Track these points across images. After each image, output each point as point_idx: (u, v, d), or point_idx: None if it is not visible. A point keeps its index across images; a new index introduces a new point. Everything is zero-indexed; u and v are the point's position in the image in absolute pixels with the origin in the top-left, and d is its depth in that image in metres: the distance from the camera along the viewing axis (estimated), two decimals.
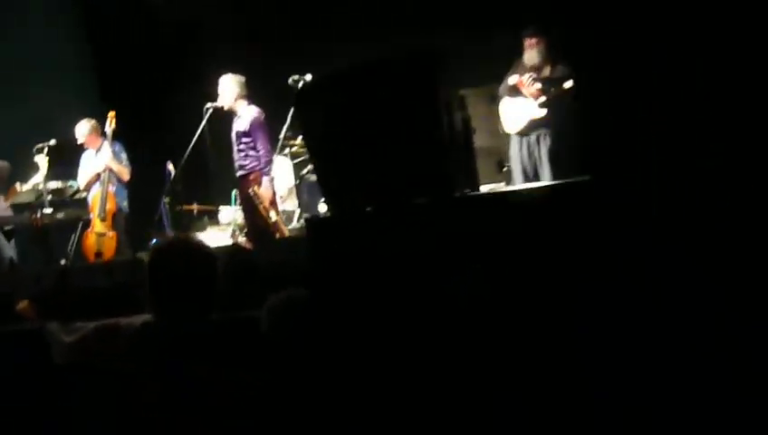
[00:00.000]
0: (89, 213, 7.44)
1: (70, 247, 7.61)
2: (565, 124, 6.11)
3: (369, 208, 3.36)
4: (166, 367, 2.38)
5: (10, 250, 7.61)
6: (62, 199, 7.72)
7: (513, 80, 6.39)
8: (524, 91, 6.31)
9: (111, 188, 7.39)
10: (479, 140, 7.31)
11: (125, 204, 7.53)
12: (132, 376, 2.51)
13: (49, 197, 7.51)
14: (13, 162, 7.69)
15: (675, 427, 2.25)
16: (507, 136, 6.49)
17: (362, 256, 3.21)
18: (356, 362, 2.57)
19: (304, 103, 3.71)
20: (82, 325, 3.06)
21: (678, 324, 2.30)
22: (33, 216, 7.35)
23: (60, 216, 7.58)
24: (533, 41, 6.30)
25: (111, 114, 7.55)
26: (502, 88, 6.50)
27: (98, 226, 7.28)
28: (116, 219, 7.36)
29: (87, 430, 2.82)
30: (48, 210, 7.37)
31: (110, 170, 7.37)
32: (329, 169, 3.63)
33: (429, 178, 3.21)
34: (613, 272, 2.49)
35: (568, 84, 6.02)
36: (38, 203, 7.46)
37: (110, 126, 7.49)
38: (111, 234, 7.27)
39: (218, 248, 6.08)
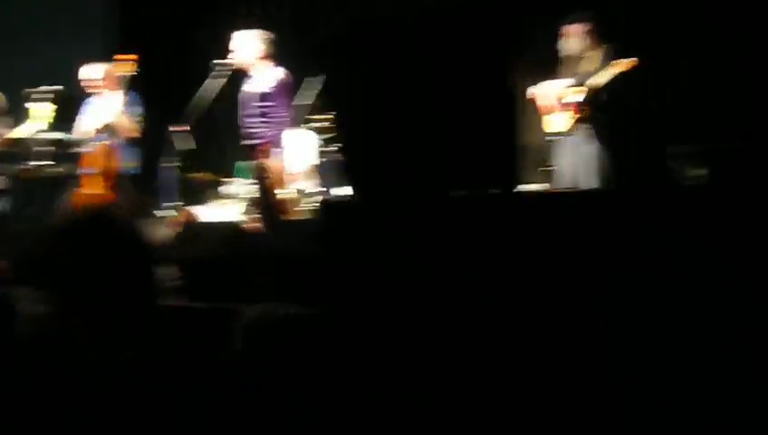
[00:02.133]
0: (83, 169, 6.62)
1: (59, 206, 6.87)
2: (612, 123, 5.64)
3: (403, 195, 2.70)
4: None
5: None
6: (56, 152, 6.95)
7: (529, 93, 5.77)
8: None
9: (114, 144, 6.52)
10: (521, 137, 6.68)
11: (132, 165, 6.68)
12: None
13: (42, 148, 6.76)
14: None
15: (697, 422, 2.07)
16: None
17: (390, 254, 2.56)
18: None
19: (334, 57, 2.95)
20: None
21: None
22: (22, 167, 6.64)
23: (52, 170, 6.87)
24: (567, 30, 5.70)
25: (131, 57, 6.62)
26: None
27: (91, 185, 6.46)
28: (118, 181, 6.53)
29: None
30: (39, 163, 6.63)
31: (116, 124, 6.54)
32: (359, 143, 2.92)
33: (492, 170, 2.52)
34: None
35: (612, 72, 5.32)
36: (27, 154, 6.73)
37: (127, 72, 6.60)
38: (108, 196, 6.42)
39: (218, 225, 5.48)
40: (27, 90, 6.56)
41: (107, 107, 6.58)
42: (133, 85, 6.71)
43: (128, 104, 6.57)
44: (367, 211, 2.78)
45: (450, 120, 2.59)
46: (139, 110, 6.66)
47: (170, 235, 6.10)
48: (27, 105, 6.56)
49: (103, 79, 6.58)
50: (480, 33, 2.64)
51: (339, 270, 2.70)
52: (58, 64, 7.24)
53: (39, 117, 6.64)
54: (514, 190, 2.78)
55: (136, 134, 6.59)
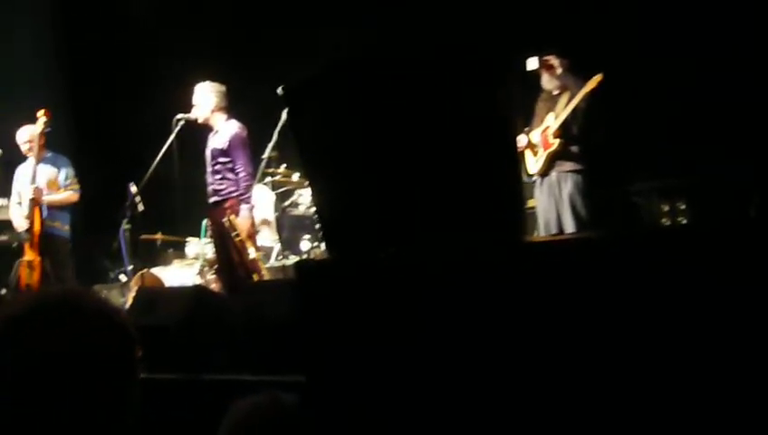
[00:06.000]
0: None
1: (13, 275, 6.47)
2: (582, 156, 5.41)
3: (389, 250, 2.36)
4: None
5: None
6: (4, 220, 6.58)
7: (522, 141, 5.59)
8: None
9: (43, 209, 6.11)
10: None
11: (66, 228, 6.30)
12: None
13: None
14: None
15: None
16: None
17: (382, 324, 2.24)
18: None
19: (300, 107, 2.70)
20: None
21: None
22: None
23: (2, 238, 6.52)
24: (547, 62, 5.53)
25: (42, 113, 6.17)
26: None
27: (27, 252, 6.05)
28: (53, 246, 6.14)
29: None
30: None
31: (52, 196, 6.21)
32: (331, 196, 2.64)
33: (488, 218, 2.27)
34: None
35: (578, 97, 5.24)
36: None
37: (39, 127, 6.16)
38: (37, 262, 6.01)
39: (179, 289, 5.19)
40: None
41: (38, 171, 6.20)
42: (56, 144, 6.41)
43: (57, 166, 6.28)
44: (350, 273, 2.45)
45: (440, 167, 2.36)
46: (68, 172, 6.35)
47: (126, 301, 5.86)
48: None
49: (29, 141, 6.22)
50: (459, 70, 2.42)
51: (314, 336, 2.38)
52: None
53: None
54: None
55: (61, 197, 6.25)
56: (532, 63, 5.46)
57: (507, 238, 2.27)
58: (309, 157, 2.78)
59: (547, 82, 5.55)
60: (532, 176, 5.61)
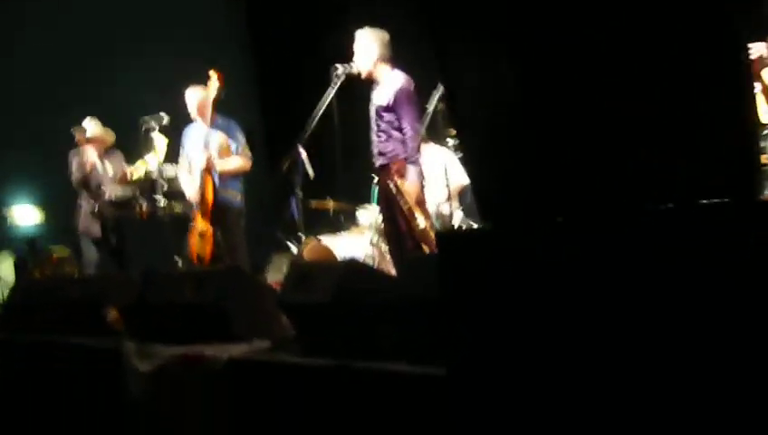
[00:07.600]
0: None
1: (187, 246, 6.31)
2: None
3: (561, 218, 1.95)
4: None
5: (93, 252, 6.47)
6: (175, 189, 6.40)
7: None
8: None
9: (215, 176, 5.81)
10: None
11: (239, 197, 6.03)
12: None
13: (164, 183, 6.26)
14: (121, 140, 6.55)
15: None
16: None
17: (542, 305, 1.82)
18: None
19: (455, 52, 2.13)
20: (161, 350, 2.83)
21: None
22: (139, 206, 6.14)
23: (178, 209, 6.36)
24: None
25: (214, 74, 5.87)
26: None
27: (199, 223, 5.82)
28: (226, 216, 5.89)
29: None
30: (161, 201, 6.12)
31: (224, 164, 5.92)
32: (489, 153, 2.15)
33: (709, 178, 1.73)
34: None
35: None
36: (147, 192, 6.26)
37: (212, 90, 5.86)
38: (209, 233, 5.77)
39: (332, 264, 4.71)
40: (145, 117, 6.06)
41: (209, 136, 5.92)
42: (226, 109, 6.09)
43: (228, 132, 5.96)
44: (509, 243, 1.98)
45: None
46: (239, 138, 6.03)
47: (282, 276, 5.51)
48: (153, 135, 6.06)
49: (199, 104, 5.93)
50: None
51: (456, 320, 2.04)
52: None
53: (159, 149, 6.13)
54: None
55: (234, 166, 5.96)
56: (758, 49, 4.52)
57: (737, 201, 1.70)
58: (462, 106, 2.21)
59: None
60: (766, 126, 4.61)
